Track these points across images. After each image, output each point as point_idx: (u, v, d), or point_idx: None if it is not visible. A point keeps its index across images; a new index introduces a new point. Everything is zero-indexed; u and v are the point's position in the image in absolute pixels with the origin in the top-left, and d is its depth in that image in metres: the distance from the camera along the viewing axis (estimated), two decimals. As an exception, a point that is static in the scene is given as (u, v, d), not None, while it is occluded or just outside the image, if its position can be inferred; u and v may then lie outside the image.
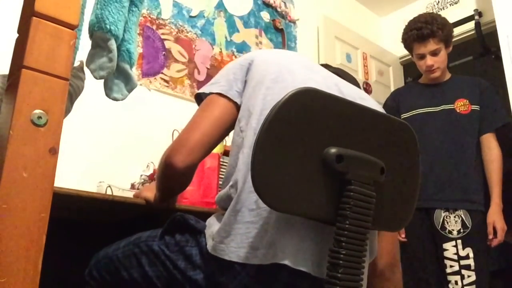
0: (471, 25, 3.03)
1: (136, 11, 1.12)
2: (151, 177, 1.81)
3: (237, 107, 1.01)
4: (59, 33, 0.55)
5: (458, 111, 2.13)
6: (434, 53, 2.16)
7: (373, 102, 1.07)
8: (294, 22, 2.94)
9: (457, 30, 3.13)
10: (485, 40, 2.97)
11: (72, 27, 0.56)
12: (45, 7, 0.54)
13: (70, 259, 1.44)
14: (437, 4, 3.30)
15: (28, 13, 0.54)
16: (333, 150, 0.75)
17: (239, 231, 0.84)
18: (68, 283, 1.25)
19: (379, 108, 1.08)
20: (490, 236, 1.97)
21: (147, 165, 1.87)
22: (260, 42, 2.69)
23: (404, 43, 2.29)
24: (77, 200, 1.30)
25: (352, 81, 1.29)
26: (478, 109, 2.13)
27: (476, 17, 2.98)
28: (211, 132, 0.98)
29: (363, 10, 3.57)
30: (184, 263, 0.91)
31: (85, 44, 1.07)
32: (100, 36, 1.02)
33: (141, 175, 1.82)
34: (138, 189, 1.77)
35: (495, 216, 1.98)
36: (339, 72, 1.25)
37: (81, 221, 1.73)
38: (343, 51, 3.09)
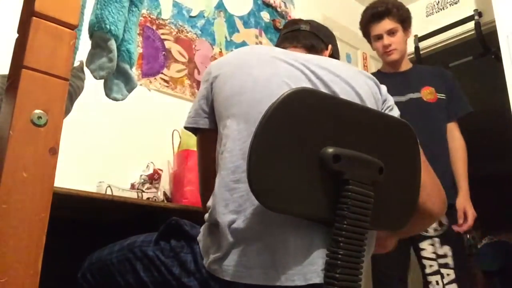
0: (471, 25, 3.03)
1: (136, 11, 1.12)
2: (150, 177, 1.82)
3: (214, 129, 1.00)
4: (59, 33, 0.55)
5: (425, 99, 2.09)
6: (391, 32, 2.12)
7: (346, 68, 1.02)
8: (294, 22, 2.94)
9: (457, 30, 3.14)
10: (485, 40, 2.97)
11: (72, 27, 0.56)
12: (45, 7, 0.54)
13: (70, 259, 1.44)
14: (437, 4, 3.31)
15: (28, 13, 0.54)
16: (330, 150, 0.75)
17: (230, 250, 0.83)
18: (68, 283, 1.25)
19: (357, 73, 1.04)
20: (461, 221, 1.94)
21: (147, 165, 1.87)
22: (260, 42, 2.69)
23: (362, 28, 2.24)
24: (77, 200, 1.31)
25: (326, 34, 1.23)
26: (444, 97, 2.10)
27: (476, 17, 2.98)
28: (215, 174, 0.97)
29: (363, 10, 3.57)
30: (179, 270, 0.91)
31: (85, 44, 1.08)
32: (100, 36, 1.02)
33: (141, 175, 1.83)
34: (138, 189, 1.78)
35: (465, 202, 1.97)
36: (313, 29, 1.21)
37: (81, 221, 1.73)
38: (343, 51, 3.08)
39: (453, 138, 2.08)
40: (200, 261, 0.88)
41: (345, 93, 0.95)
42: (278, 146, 0.73)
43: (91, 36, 1.05)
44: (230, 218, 0.84)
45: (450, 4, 3.24)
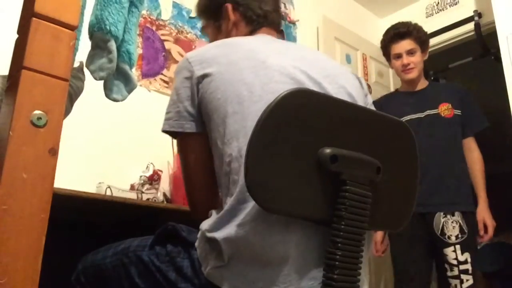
0: (470, 26, 3.03)
1: (136, 12, 1.13)
2: (150, 178, 1.82)
3: (202, 132, 0.95)
4: (59, 34, 0.55)
5: (443, 115, 2.21)
6: (410, 53, 2.27)
7: (333, 65, 1.01)
8: (294, 23, 2.94)
9: (456, 31, 3.14)
10: (484, 41, 2.97)
11: (72, 27, 0.56)
12: (45, 7, 0.54)
13: (70, 259, 1.44)
14: (436, 5, 3.31)
15: (28, 14, 0.54)
16: (327, 151, 0.75)
17: (231, 261, 0.82)
18: (68, 283, 1.25)
19: (343, 70, 1.03)
20: (481, 233, 2.06)
21: (147, 166, 1.87)
22: (260, 43, 2.69)
23: (382, 47, 2.40)
24: (77, 200, 1.31)
25: None
26: (460, 113, 2.22)
27: (476, 18, 2.98)
28: (204, 181, 0.96)
29: (363, 11, 3.57)
30: (175, 275, 0.88)
31: (85, 45, 1.08)
32: (100, 37, 1.02)
33: (141, 176, 1.83)
34: (137, 190, 1.78)
35: (484, 213, 2.08)
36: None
37: (81, 222, 1.73)
38: (342, 52, 3.09)
39: (470, 151, 2.20)
40: (198, 267, 0.86)
41: (337, 94, 0.94)
42: (275, 147, 0.73)
43: (91, 37, 1.05)
44: (231, 233, 0.81)
45: (449, 5, 3.24)
